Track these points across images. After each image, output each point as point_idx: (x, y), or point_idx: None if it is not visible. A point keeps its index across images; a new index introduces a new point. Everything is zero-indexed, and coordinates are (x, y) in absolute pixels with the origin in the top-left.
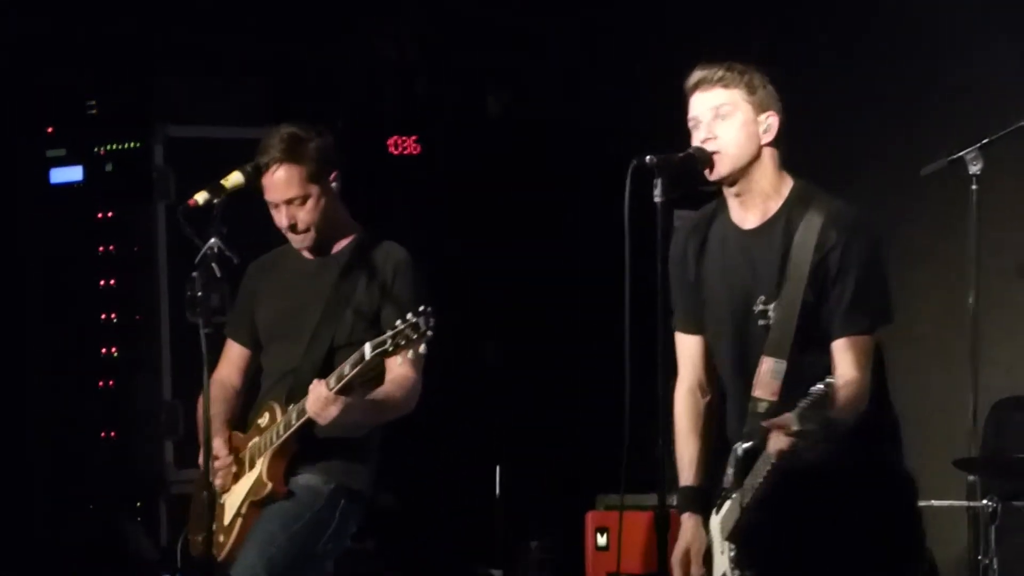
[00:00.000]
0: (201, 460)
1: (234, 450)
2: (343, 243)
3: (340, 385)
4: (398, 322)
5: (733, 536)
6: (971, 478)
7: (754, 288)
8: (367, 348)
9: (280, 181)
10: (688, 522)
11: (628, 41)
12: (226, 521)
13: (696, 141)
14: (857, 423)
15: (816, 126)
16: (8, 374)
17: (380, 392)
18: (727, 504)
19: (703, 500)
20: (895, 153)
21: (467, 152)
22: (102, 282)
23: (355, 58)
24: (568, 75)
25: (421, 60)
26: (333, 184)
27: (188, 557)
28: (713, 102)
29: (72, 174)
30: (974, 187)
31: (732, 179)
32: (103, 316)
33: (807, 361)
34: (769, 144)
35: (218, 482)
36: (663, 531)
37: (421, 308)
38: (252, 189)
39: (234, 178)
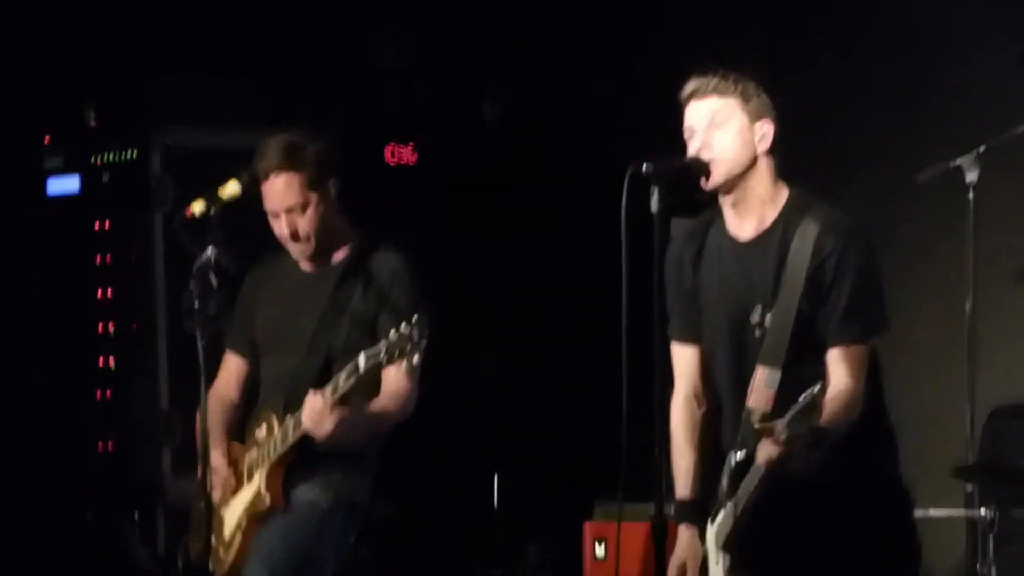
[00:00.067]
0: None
1: (232, 462)
2: (341, 252)
3: (336, 397)
4: (391, 332)
5: (727, 546)
6: (969, 486)
7: (750, 297)
8: (361, 358)
9: (279, 189)
10: (685, 533)
11: (628, 41)
12: (226, 535)
13: (692, 150)
14: (851, 431)
15: (814, 130)
16: (7, 383)
17: (376, 404)
18: (721, 514)
19: (699, 511)
20: (893, 157)
21: (465, 156)
22: (99, 292)
23: (352, 64)
24: (568, 75)
25: (419, 62)
26: (332, 190)
27: (189, 564)
28: (708, 111)
29: (69, 184)
30: (971, 195)
31: (728, 187)
32: (100, 326)
33: (802, 371)
34: (765, 152)
35: (216, 494)
36: (661, 542)
37: (415, 318)
38: (249, 198)
39: (231, 187)
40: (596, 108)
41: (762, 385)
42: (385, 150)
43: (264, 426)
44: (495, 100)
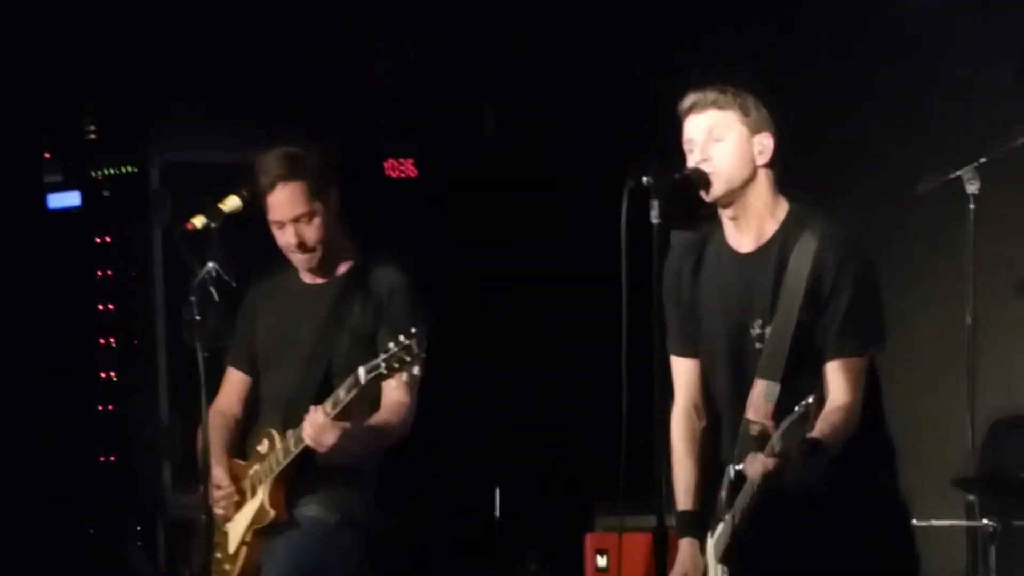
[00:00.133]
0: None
1: (234, 478)
2: (344, 266)
3: (337, 411)
4: (390, 344)
5: (726, 558)
6: (970, 497)
7: (749, 311)
8: (361, 372)
9: (285, 198)
10: (685, 546)
11: (628, 41)
12: (230, 550)
13: (691, 163)
14: (849, 445)
15: (814, 140)
16: (8, 397)
17: (376, 418)
18: (720, 526)
19: (700, 524)
20: (892, 168)
21: (464, 160)
22: (100, 306)
23: (350, 72)
24: (568, 76)
25: (418, 65)
26: (334, 201)
27: None
28: (707, 124)
29: (70, 199)
30: (971, 207)
31: (727, 200)
32: (101, 340)
33: (800, 384)
34: (764, 166)
35: (220, 512)
36: (662, 553)
37: (414, 330)
38: (249, 213)
39: (231, 202)
40: (596, 109)
41: (760, 398)
42: (385, 163)
43: (266, 441)
44: (494, 104)
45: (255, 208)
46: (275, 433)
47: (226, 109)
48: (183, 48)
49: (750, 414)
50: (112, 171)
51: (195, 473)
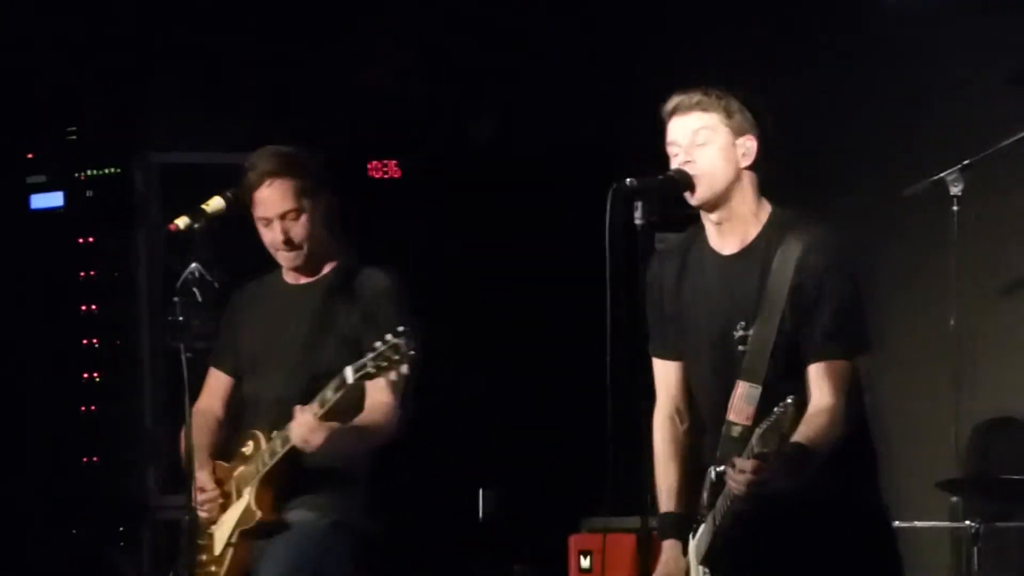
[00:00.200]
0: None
1: (219, 481)
2: (327, 268)
3: (324, 410)
4: (377, 343)
5: (707, 560)
6: (954, 499)
7: (733, 314)
8: (348, 372)
9: (274, 194)
10: (668, 548)
11: (626, 41)
12: (216, 552)
13: (675, 165)
14: (831, 449)
15: (799, 146)
16: None
17: (362, 419)
18: (702, 528)
19: (683, 526)
20: (877, 173)
21: (454, 167)
22: (83, 307)
23: (339, 75)
24: (565, 75)
25: (415, 65)
26: (323, 202)
27: None
28: (691, 126)
29: (53, 200)
30: (955, 208)
31: (712, 205)
32: (84, 341)
33: (782, 387)
34: (748, 168)
35: (204, 515)
36: (646, 553)
37: (401, 328)
38: (233, 215)
39: (215, 203)
40: (592, 110)
41: (742, 400)
42: (368, 164)
43: (250, 443)
44: (486, 105)
45: (239, 209)
46: (260, 435)
47: (211, 110)
48: (168, 49)
49: (732, 416)
50: (95, 172)
51: (179, 474)
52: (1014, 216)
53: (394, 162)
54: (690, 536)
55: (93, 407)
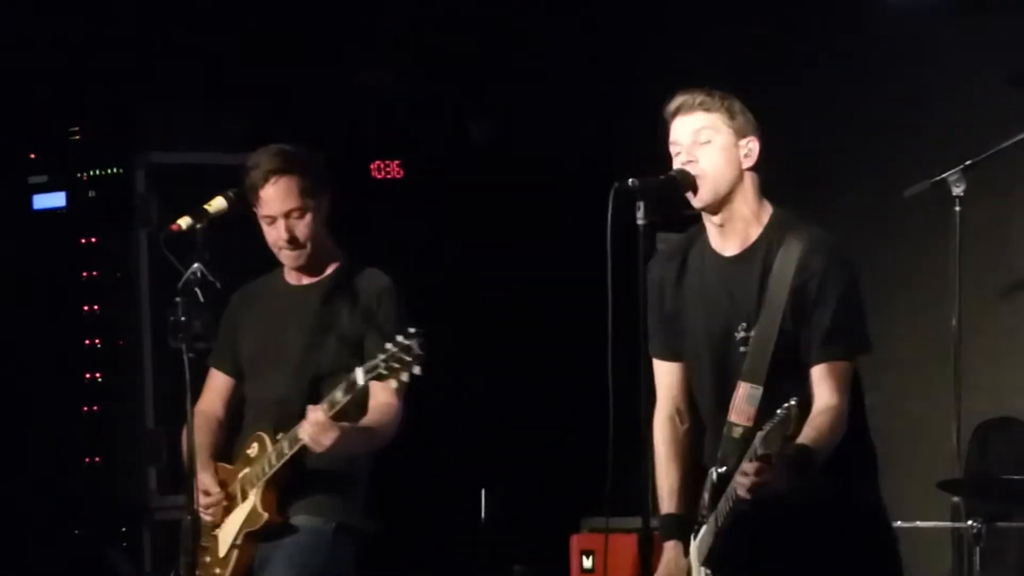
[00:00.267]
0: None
1: (222, 483)
2: (330, 269)
3: (334, 412)
4: (388, 345)
5: (708, 561)
6: (955, 499)
7: (734, 315)
8: (359, 373)
9: (279, 192)
10: (669, 549)
11: (627, 42)
12: (221, 553)
13: (677, 165)
14: (833, 451)
15: (799, 146)
16: None
17: (368, 419)
18: (703, 529)
19: (684, 527)
20: (877, 174)
21: (454, 168)
22: (85, 308)
23: (341, 77)
24: (565, 75)
25: (414, 65)
26: (325, 202)
27: None
28: (694, 126)
29: (55, 200)
30: (957, 208)
31: (715, 207)
32: (86, 342)
33: (784, 388)
34: (750, 169)
35: (208, 518)
36: (647, 554)
37: (413, 330)
38: (235, 214)
39: (217, 203)
40: (593, 110)
41: (744, 402)
42: (371, 165)
43: (255, 445)
44: (486, 106)
45: (242, 209)
46: (265, 436)
47: (211, 110)
48: (168, 49)
49: (733, 417)
50: (97, 172)
51: (180, 475)
52: (1015, 217)
53: (396, 163)
54: (691, 537)
55: (95, 407)
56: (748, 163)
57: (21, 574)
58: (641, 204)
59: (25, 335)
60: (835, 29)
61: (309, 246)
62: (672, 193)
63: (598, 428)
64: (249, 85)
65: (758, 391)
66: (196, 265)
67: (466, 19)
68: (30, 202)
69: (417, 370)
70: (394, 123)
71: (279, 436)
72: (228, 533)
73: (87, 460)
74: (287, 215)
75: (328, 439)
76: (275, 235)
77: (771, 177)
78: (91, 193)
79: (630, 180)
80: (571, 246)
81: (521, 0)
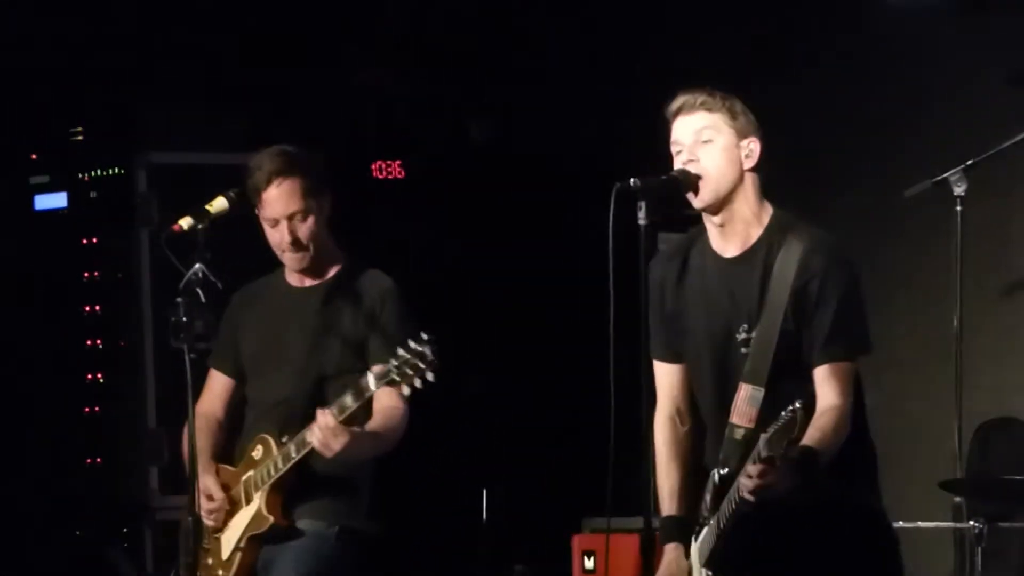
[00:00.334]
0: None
1: (225, 486)
2: (332, 271)
3: (344, 416)
4: (400, 351)
5: (709, 563)
6: (957, 500)
7: (735, 316)
8: (371, 379)
9: (283, 195)
10: (670, 551)
11: (627, 42)
12: (224, 555)
13: (678, 165)
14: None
15: (799, 146)
16: None
17: (375, 424)
18: (705, 531)
19: (685, 529)
20: (877, 174)
21: (453, 162)
22: (87, 308)
23: (341, 77)
24: (566, 75)
25: (411, 63)
26: (327, 204)
27: None
28: (695, 126)
29: (56, 200)
30: (958, 208)
31: (716, 207)
32: (88, 342)
33: (785, 389)
34: (751, 170)
35: (210, 523)
36: (649, 555)
37: (426, 336)
38: (236, 215)
39: (218, 203)
40: (593, 110)
41: (745, 403)
42: (372, 165)
43: (260, 447)
44: (487, 106)
45: (243, 209)
46: (270, 439)
47: (211, 110)
48: (168, 49)
49: (735, 418)
50: (99, 173)
51: (181, 475)
52: (1015, 217)
53: (398, 163)
54: (692, 539)
55: (96, 408)
56: (749, 164)
57: (21, 574)
58: (642, 204)
59: (26, 335)
60: (835, 29)
61: (312, 248)
62: (674, 193)
63: (599, 428)
64: (249, 85)
65: (759, 392)
66: (197, 265)
67: (466, 19)
68: (31, 202)
69: (431, 377)
70: (394, 123)
71: (284, 439)
72: (232, 536)
73: (88, 460)
74: (290, 217)
75: (338, 444)
76: (278, 237)
77: (771, 177)
78: (92, 193)
79: (631, 180)
80: (571, 246)
81: (521, 0)
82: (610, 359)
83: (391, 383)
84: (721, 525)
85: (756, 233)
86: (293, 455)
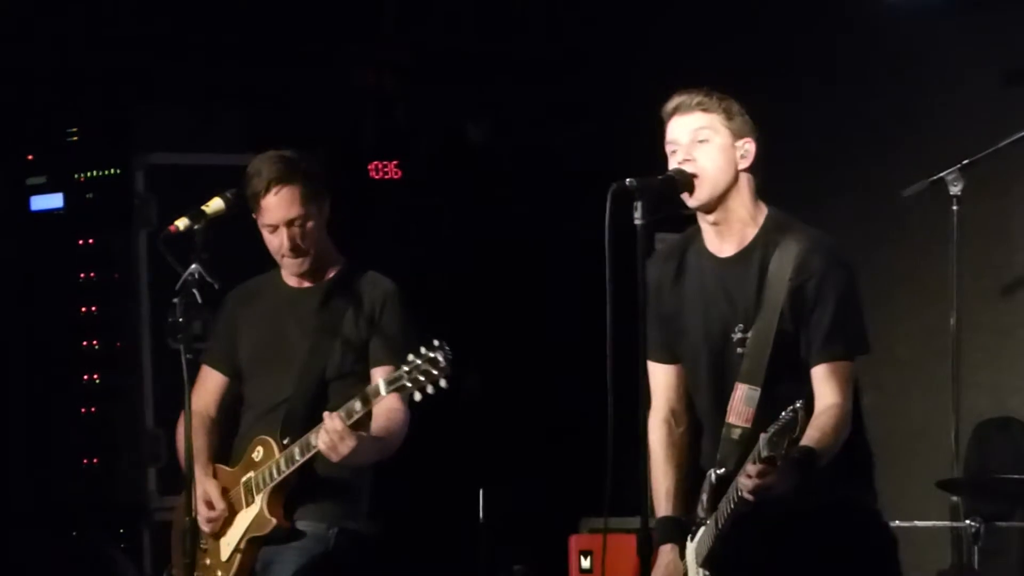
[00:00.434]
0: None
1: (224, 489)
2: (331, 273)
3: (352, 421)
4: (412, 357)
5: (707, 563)
6: (954, 499)
7: (731, 316)
8: (381, 384)
9: (282, 201)
10: (665, 553)
11: (627, 42)
12: (223, 557)
13: (674, 164)
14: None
15: (797, 147)
16: None
17: (379, 428)
18: (701, 531)
19: (680, 530)
20: (875, 174)
21: (452, 172)
22: (83, 309)
23: (336, 84)
24: (568, 76)
25: (408, 64)
26: (326, 208)
27: None
28: (692, 126)
29: (53, 201)
30: (955, 208)
31: (711, 207)
32: (85, 343)
33: (781, 389)
34: (746, 170)
35: (208, 529)
36: (646, 555)
37: (437, 342)
38: (232, 216)
39: (215, 204)
40: (596, 110)
41: (742, 403)
42: (368, 166)
43: (260, 448)
44: (484, 108)
45: (240, 210)
46: (271, 441)
47: (210, 110)
48: (168, 49)
49: (731, 418)
50: (95, 173)
51: (179, 476)
52: (1013, 215)
53: (394, 163)
54: (688, 539)
55: (93, 408)
56: (744, 164)
57: (21, 574)
58: (639, 204)
59: (24, 336)
60: (835, 29)
61: (312, 253)
62: (670, 193)
63: (597, 428)
64: (247, 85)
65: (756, 392)
66: (194, 266)
67: (465, 19)
68: (28, 203)
69: (444, 383)
70: (391, 124)
71: (285, 440)
72: (232, 537)
73: (86, 461)
74: (289, 224)
75: (346, 448)
76: (277, 243)
77: (771, 177)
78: (89, 194)
79: (628, 180)
80: (570, 246)
81: (521, 0)
82: (608, 358)
83: (401, 389)
84: (719, 525)
85: (751, 233)
86: (298, 458)
